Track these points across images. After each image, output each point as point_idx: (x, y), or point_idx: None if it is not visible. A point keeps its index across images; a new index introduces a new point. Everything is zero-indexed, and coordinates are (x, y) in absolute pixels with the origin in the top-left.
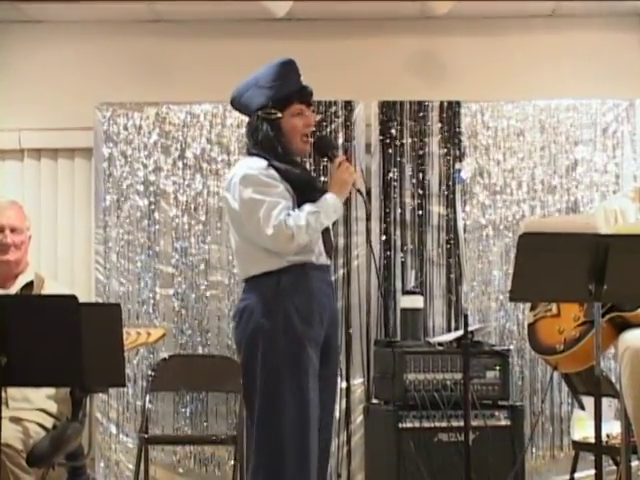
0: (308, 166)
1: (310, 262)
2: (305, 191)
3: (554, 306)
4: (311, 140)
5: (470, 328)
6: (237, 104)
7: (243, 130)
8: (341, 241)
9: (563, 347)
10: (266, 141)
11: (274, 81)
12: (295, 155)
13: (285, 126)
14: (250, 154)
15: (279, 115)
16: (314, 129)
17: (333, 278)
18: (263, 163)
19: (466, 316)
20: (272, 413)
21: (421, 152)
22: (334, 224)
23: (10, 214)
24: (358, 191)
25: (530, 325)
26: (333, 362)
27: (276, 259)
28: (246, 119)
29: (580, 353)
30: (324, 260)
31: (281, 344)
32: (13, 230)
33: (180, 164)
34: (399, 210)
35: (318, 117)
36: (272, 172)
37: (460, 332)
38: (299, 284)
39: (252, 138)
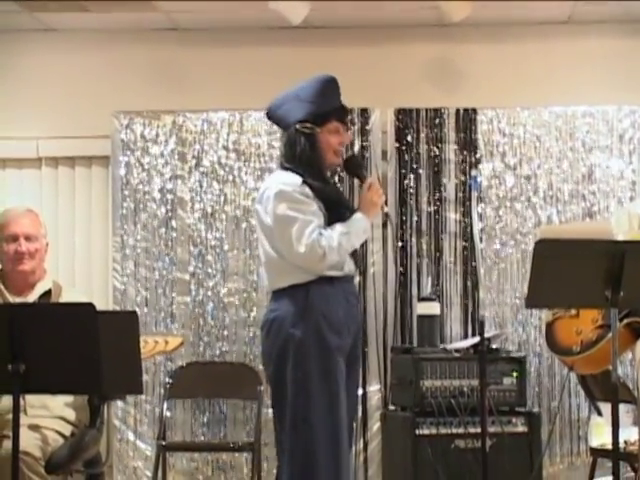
0: (337, 180)
1: (337, 275)
2: (336, 210)
3: None
4: (342, 156)
5: (486, 335)
6: (273, 115)
7: (259, 138)
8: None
9: (580, 349)
10: (303, 157)
11: (316, 97)
12: (327, 170)
13: (320, 142)
14: (284, 168)
15: (317, 130)
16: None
17: (358, 276)
18: (298, 180)
19: (482, 322)
20: (304, 422)
21: (437, 159)
22: None
23: (24, 222)
24: (386, 214)
25: (548, 324)
26: (356, 372)
27: (304, 273)
28: (260, 128)
29: (596, 356)
30: (349, 271)
31: (312, 354)
32: (27, 238)
33: (197, 172)
34: (415, 217)
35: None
36: (306, 190)
37: (477, 339)
38: (328, 295)
39: (289, 151)
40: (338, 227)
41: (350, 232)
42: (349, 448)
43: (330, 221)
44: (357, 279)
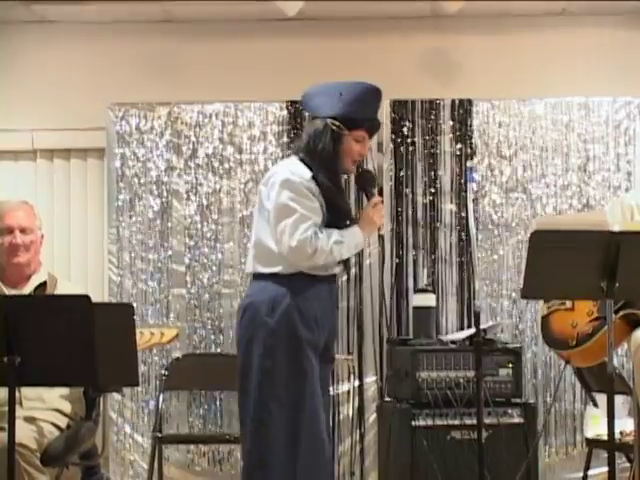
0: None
1: (320, 274)
2: (335, 214)
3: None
4: (357, 166)
5: (482, 326)
6: (308, 100)
7: (255, 130)
8: None
9: (575, 342)
10: (324, 153)
11: (356, 101)
12: (340, 173)
13: (344, 144)
14: (298, 157)
15: (345, 132)
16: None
17: (345, 277)
18: (307, 173)
19: (478, 314)
20: (267, 411)
21: (433, 150)
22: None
23: (19, 214)
24: (381, 237)
25: (543, 317)
26: (328, 371)
27: (288, 264)
28: (255, 120)
29: (592, 349)
30: (333, 270)
31: (282, 343)
32: (23, 230)
33: (192, 164)
34: (411, 208)
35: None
36: (313, 185)
37: (472, 330)
38: (307, 289)
39: (311, 142)
40: (335, 234)
41: (344, 242)
42: (328, 440)
43: (327, 224)
44: (353, 270)
